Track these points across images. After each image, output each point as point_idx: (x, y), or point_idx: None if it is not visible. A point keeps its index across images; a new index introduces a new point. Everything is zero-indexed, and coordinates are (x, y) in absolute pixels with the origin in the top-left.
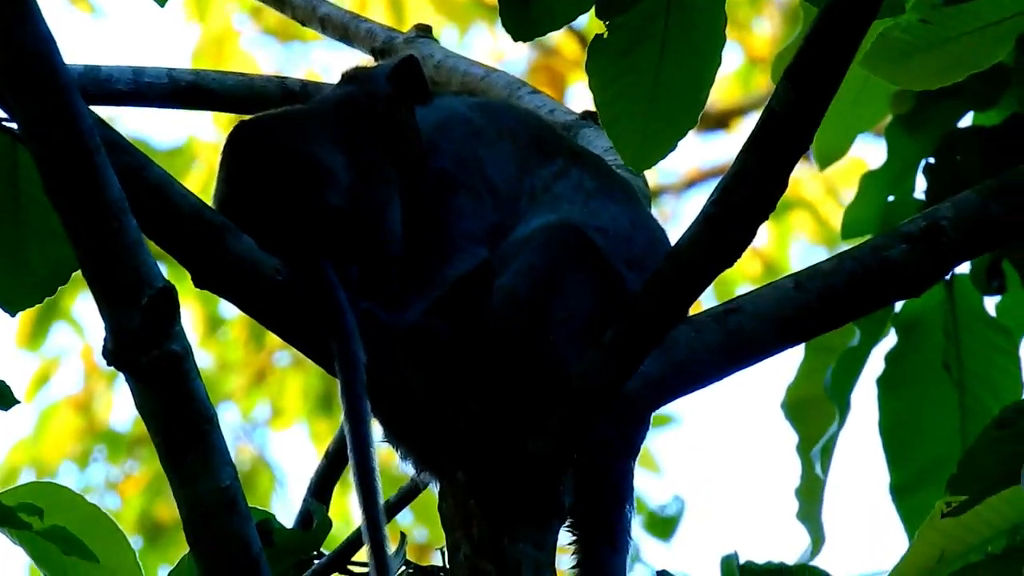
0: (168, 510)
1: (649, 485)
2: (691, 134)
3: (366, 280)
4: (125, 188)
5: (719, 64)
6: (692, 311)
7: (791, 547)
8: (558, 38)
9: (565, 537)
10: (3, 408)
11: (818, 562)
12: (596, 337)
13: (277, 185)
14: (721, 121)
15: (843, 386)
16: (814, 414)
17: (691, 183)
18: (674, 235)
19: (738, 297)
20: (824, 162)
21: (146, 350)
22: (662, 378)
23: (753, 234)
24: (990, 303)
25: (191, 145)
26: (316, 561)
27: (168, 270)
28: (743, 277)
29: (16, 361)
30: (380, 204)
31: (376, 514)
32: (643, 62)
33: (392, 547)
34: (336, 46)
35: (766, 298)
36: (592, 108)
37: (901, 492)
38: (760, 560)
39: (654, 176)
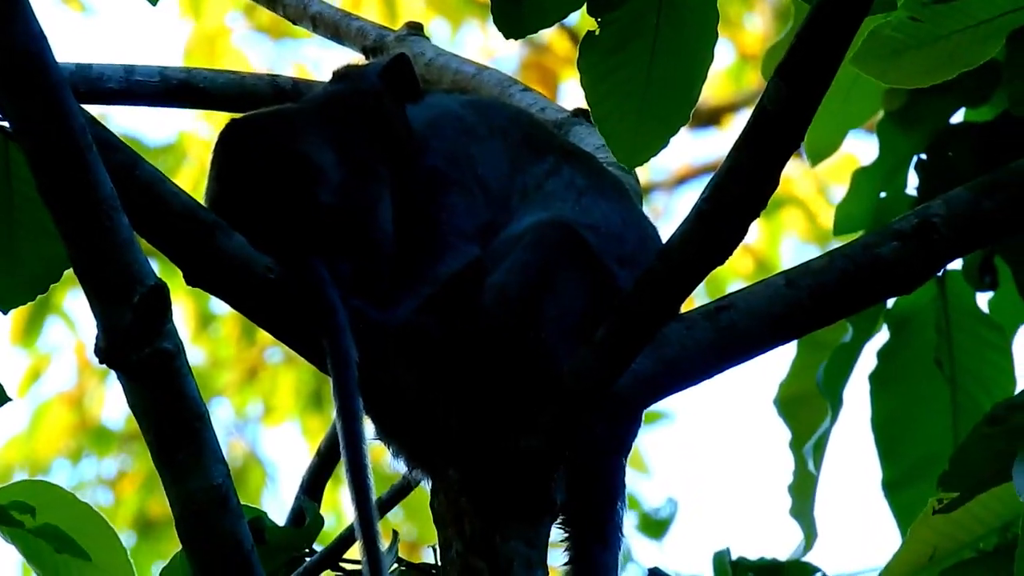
0: (161, 506)
1: (641, 483)
2: (682, 131)
3: (358, 278)
4: (117, 186)
5: (711, 61)
6: (684, 308)
7: (784, 543)
8: (549, 35)
9: (557, 534)
10: None
11: (810, 558)
12: (588, 335)
13: (268, 183)
14: (712, 118)
15: (835, 382)
16: (806, 410)
17: (682, 180)
18: (666, 232)
19: (730, 294)
20: (816, 158)
21: (138, 348)
22: (654, 375)
23: (745, 231)
24: (982, 299)
25: (183, 142)
26: (308, 558)
27: (160, 267)
28: (735, 274)
29: (9, 357)
30: (371, 202)
31: (368, 511)
32: (635, 59)
33: (384, 544)
34: (328, 44)
35: (757, 295)
36: (584, 105)
37: (893, 488)
38: (752, 556)
39: (645, 173)
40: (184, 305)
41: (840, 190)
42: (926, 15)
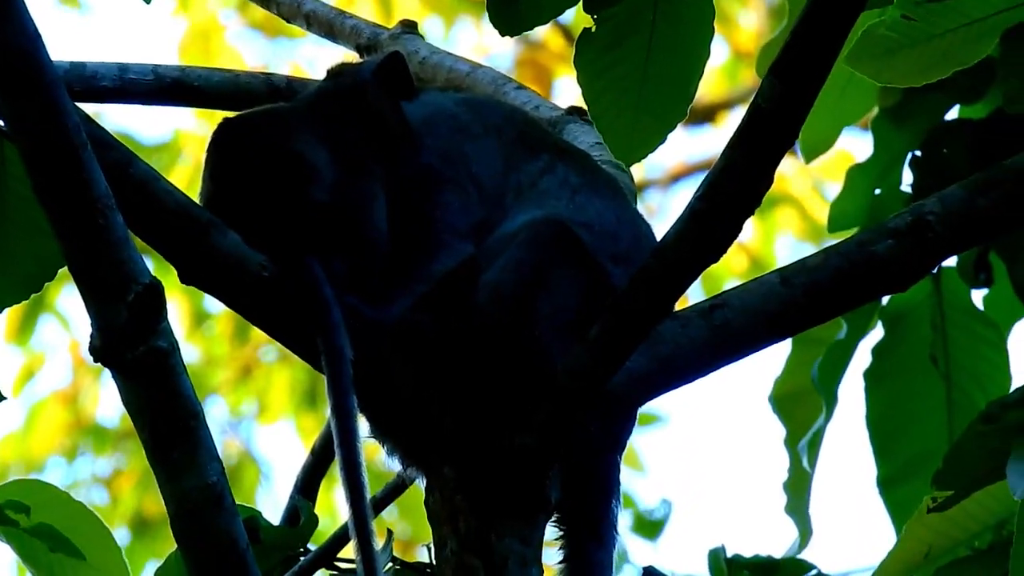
0: (156, 505)
1: (636, 482)
2: (677, 128)
3: (352, 276)
4: (111, 184)
5: (707, 57)
6: (679, 306)
7: (779, 541)
8: (544, 32)
9: (552, 532)
10: None
11: (806, 555)
12: (582, 333)
13: (262, 181)
14: (707, 115)
15: (830, 379)
16: (801, 407)
17: (677, 177)
18: (660, 230)
19: (724, 292)
20: (810, 155)
21: (132, 346)
22: (648, 373)
23: (739, 229)
24: (977, 296)
25: (178, 139)
26: (303, 557)
27: (154, 266)
28: (730, 272)
29: (3, 356)
30: (365, 200)
31: (363, 510)
32: (631, 56)
33: (379, 543)
34: (323, 41)
35: (752, 293)
36: (578, 103)
37: (888, 485)
38: (748, 554)
39: (640, 171)
40: (178, 303)
41: (835, 187)
42: (920, 14)
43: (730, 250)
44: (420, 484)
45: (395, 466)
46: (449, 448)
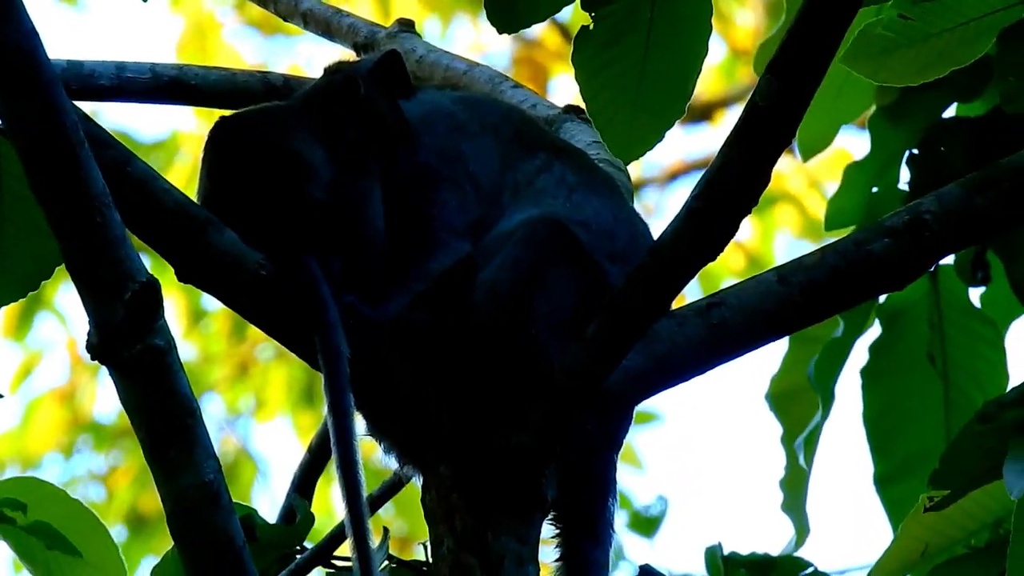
0: (153, 502)
1: (633, 481)
2: (675, 126)
3: (349, 274)
4: (109, 183)
5: (705, 54)
6: (676, 305)
7: (776, 538)
8: (541, 31)
9: (548, 531)
10: None
11: (803, 553)
12: (579, 331)
13: (259, 180)
14: (704, 113)
15: (826, 377)
16: (798, 405)
17: (674, 176)
18: (658, 229)
19: (721, 291)
20: (807, 153)
21: (129, 344)
22: (645, 372)
23: (736, 228)
24: (975, 294)
25: (175, 137)
26: (299, 555)
27: (151, 264)
28: (727, 271)
29: (1, 353)
30: (362, 198)
31: (359, 508)
32: (629, 53)
33: (375, 541)
34: (320, 40)
35: (749, 292)
36: (575, 102)
37: (885, 482)
38: (745, 551)
39: (637, 169)
40: (176, 301)
41: (833, 187)
42: (916, 13)
43: (728, 249)
44: (417, 482)
45: (392, 464)
46: (446, 446)
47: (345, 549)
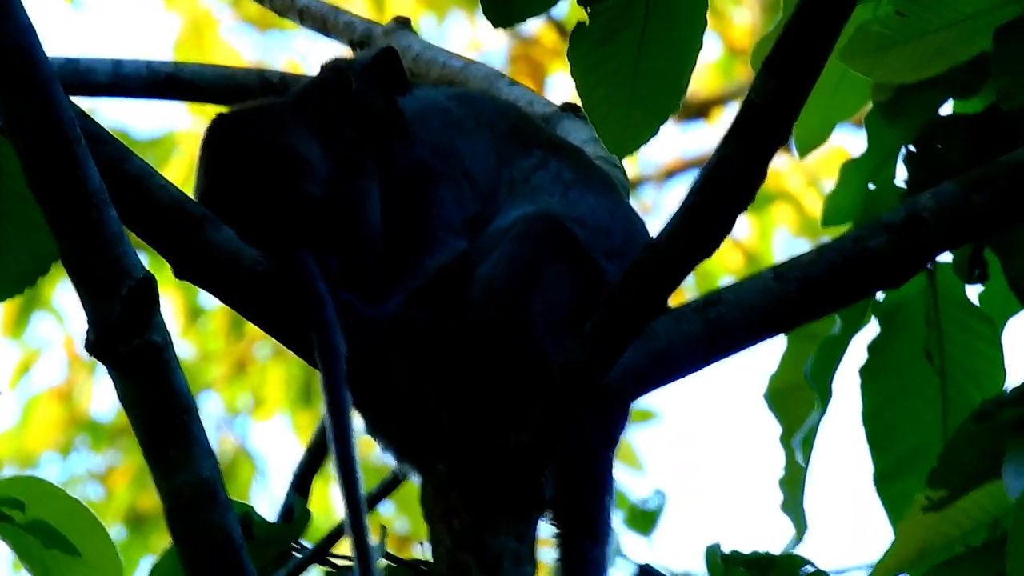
0: (151, 500)
1: (632, 479)
2: (671, 124)
3: (346, 271)
4: (106, 180)
5: (699, 49)
6: (674, 303)
7: (775, 537)
8: (537, 28)
9: (547, 529)
10: None
11: (802, 550)
12: (576, 328)
13: (256, 176)
14: (701, 111)
15: (823, 374)
16: (796, 403)
17: (671, 173)
18: (655, 226)
19: (718, 289)
20: (804, 150)
21: (126, 341)
22: (642, 368)
23: (732, 225)
24: (972, 291)
25: (172, 134)
26: (297, 553)
27: (149, 261)
28: (725, 269)
29: None
30: (359, 195)
31: (358, 506)
32: (623, 49)
33: (374, 539)
34: (316, 37)
35: (746, 289)
36: (572, 99)
37: (883, 480)
38: (744, 550)
39: (634, 166)
40: (173, 299)
41: (830, 184)
42: (913, 10)
43: (726, 247)
44: (415, 480)
45: (390, 462)
46: (444, 445)
47: (344, 547)
